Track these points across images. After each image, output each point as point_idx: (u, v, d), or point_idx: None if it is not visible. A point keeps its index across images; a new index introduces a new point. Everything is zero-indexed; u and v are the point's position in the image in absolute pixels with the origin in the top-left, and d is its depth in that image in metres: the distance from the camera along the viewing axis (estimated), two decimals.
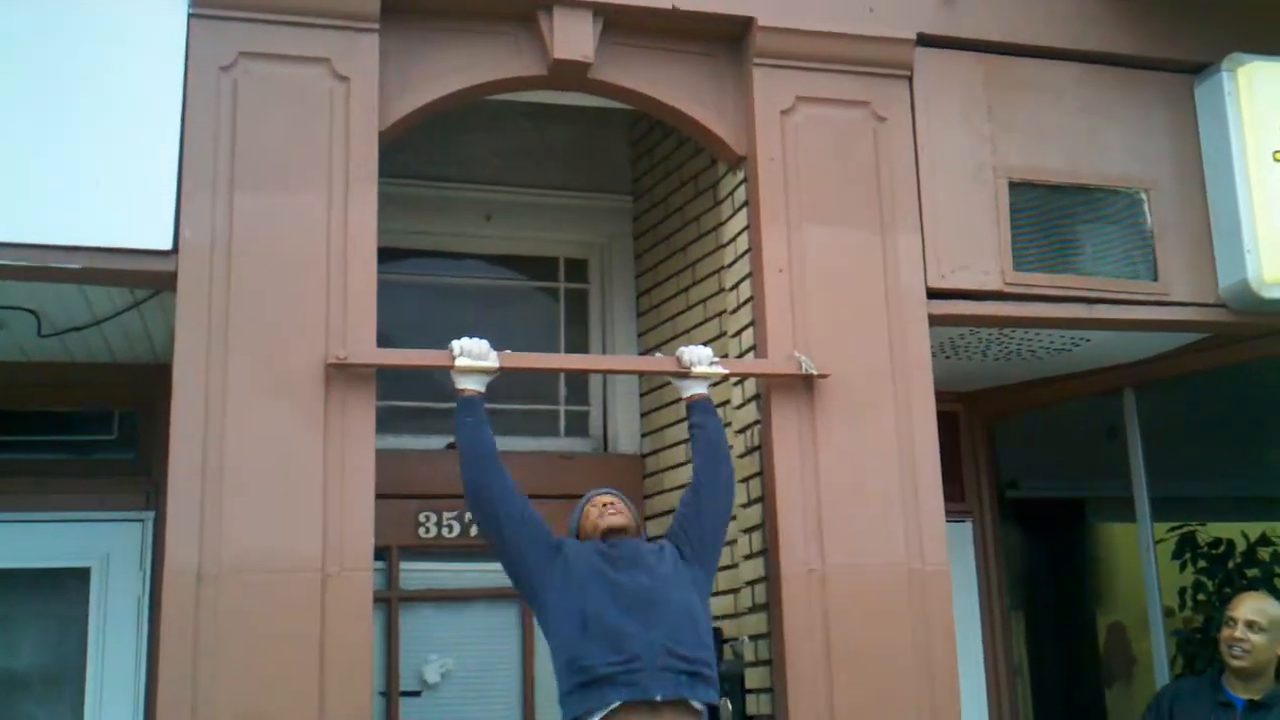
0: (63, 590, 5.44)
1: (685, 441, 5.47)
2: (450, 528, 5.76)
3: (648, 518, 5.83)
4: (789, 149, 4.69)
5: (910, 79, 4.89)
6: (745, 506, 4.70)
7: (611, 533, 3.95)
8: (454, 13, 4.53)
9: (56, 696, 5.39)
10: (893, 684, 4.36)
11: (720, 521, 4.08)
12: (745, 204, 4.77)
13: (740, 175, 4.81)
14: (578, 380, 6.20)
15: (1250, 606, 4.52)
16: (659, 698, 3.57)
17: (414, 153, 5.63)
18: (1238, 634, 4.46)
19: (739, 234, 4.82)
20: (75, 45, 4.14)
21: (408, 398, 5.85)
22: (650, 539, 4.14)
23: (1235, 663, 4.46)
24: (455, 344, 4.08)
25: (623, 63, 4.68)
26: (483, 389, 4.07)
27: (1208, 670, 4.85)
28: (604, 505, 4.05)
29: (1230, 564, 6.08)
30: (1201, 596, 6.09)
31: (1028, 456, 6.88)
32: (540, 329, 6.26)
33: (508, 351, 4.18)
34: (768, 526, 4.48)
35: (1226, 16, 5.22)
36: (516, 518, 3.90)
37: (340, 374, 4.08)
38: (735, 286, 4.85)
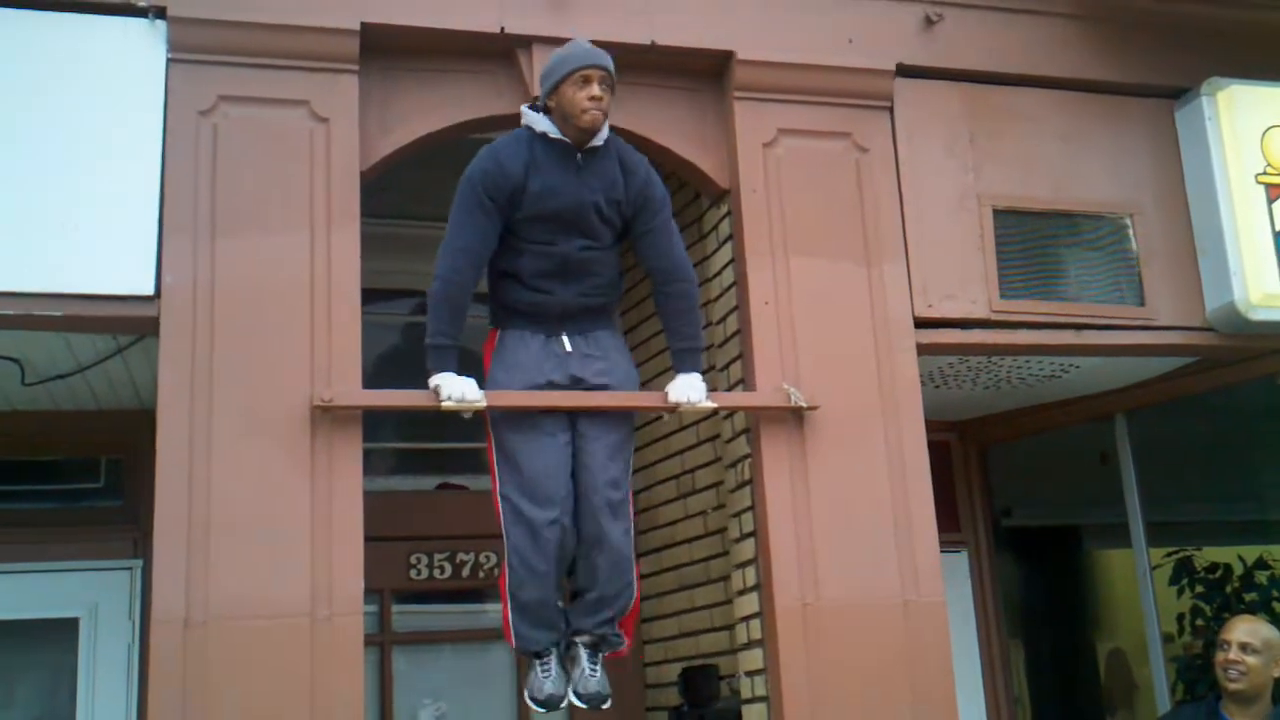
0: (52, 640, 5.40)
1: (675, 478, 5.47)
2: (442, 569, 5.73)
3: (640, 554, 5.78)
4: (772, 181, 4.69)
5: (891, 109, 4.90)
6: (738, 541, 4.66)
7: (584, 132, 4.06)
8: (433, 52, 4.53)
9: None
10: (891, 717, 4.31)
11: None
12: (730, 237, 4.77)
13: (724, 208, 4.81)
14: None
15: (1243, 629, 4.50)
16: None
17: (396, 192, 5.62)
18: (1232, 656, 4.43)
19: (724, 267, 4.82)
20: (53, 91, 4.13)
21: (396, 439, 5.83)
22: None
23: (1231, 685, 4.42)
24: (435, 382, 4.04)
25: None
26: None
27: (1205, 697, 4.81)
28: (592, 97, 4.03)
29: (1228, 588, 6.05)
30: (1200, 621, 6.06)
31: (1021, 485, 6.86)
32: None
33: (492, 392, 4.16)
34: (761, 561, 4.45)
35: (1205, 41, 5.25)
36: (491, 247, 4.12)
37: (326, 416, 4.05)
38: (722, 320, 4.84)
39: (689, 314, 4.32)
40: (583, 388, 4.16)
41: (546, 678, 4.07)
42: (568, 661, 4.13)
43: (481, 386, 4.05)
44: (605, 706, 4.09)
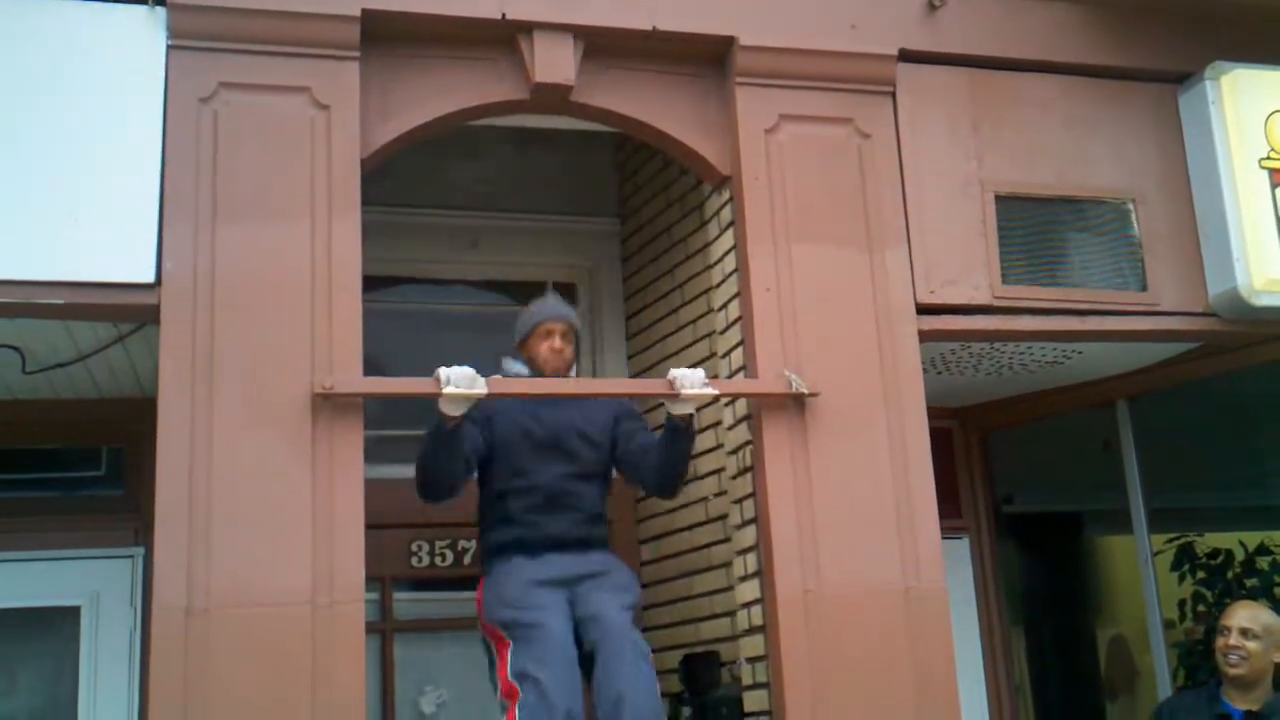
0: (54, 629, 5.39)
1: None
2: (444, 557, 5.73)
3: (642, 541, 5.80)
4: (774, 167, 4.68)
5: (894, 95, 4.88)
6: (739, 528, 4.66)
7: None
8: (434, 39, 4.51)
9: None
10: (893, 704, 4.32)
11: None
12: (731, 223, 4.75)
13: (726, 195, 4.80)
14: None
15: (1244, 614, 4.50)
16: None
17: (398, 180, 5.61)
18: (1232, 641, 4.43)
19: (726, 254, 4.81)
20: (53, 78, 4.12)
21: (398, 426, 5.81)
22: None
23: (1232, 671, 4.43)
24: (442, 372, 4.04)
25: (605, 85, 4.67)
26: (463, 413, 4.04)
27: (1206, 683, 4.81)
28: (553, 349, 4.33)
29: (1229, 574, 6.05)
30: (1201, 607, 6.05)
31: (1023, 471, 6.85)
32: None
33: (496, 377, 4.16)
34: (762, 547, 4.45)
35: (1208, 26, 5.22)
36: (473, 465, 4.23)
37: (327, 404, 4.05)
38: (724, 306, 4.83)
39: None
40: (587, 576, 4.11)
41: None
42: None
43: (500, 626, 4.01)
44: None
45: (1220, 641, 4.48)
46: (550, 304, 4.48)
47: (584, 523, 4.25)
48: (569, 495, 4.24)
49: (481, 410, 4.12)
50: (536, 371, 4.34)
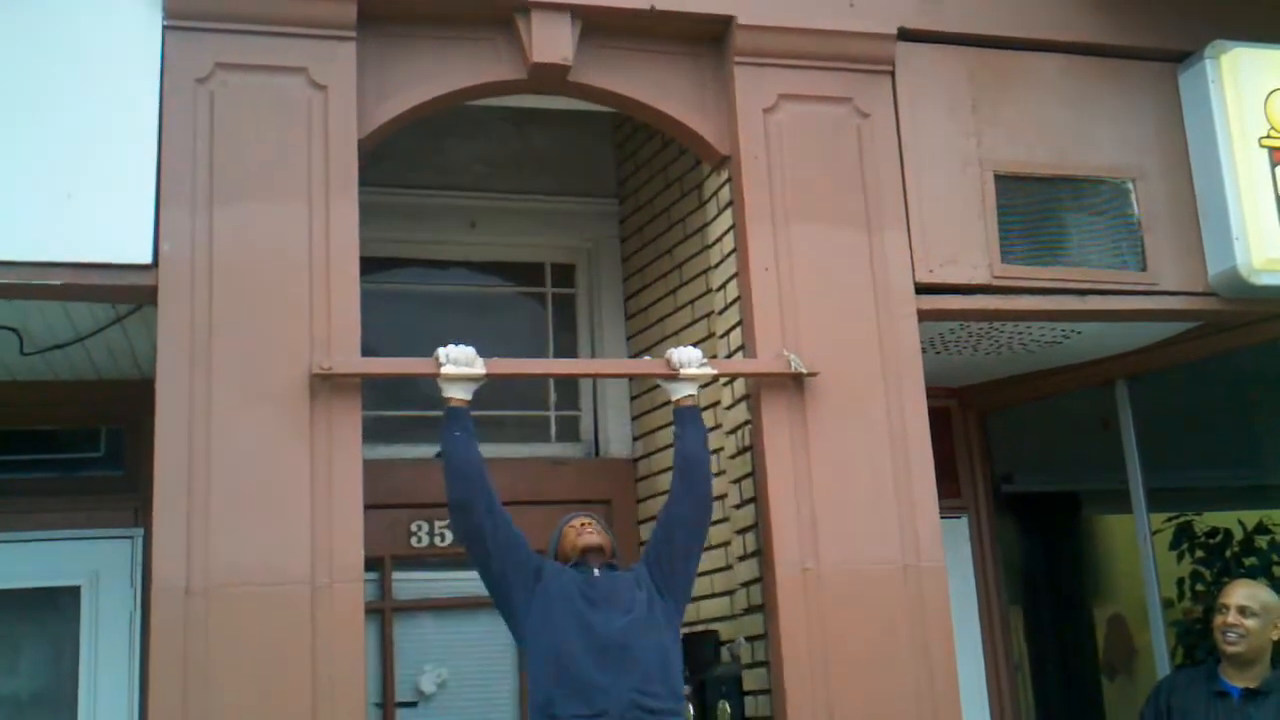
0: (54, 609, 5.40)
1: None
2: (442, 536, 5.73)
3: (640, 521, 5.80)
4: (772, 147, 4.66)
5: (893, 74, 4.87)
6: (738, 507, 4.67)
7: (589, 552, 4.04)
8: (431, 19, 4.49)
9: (51, 716, 5.35)
10: (891, 682, 4.33)
11: (692, 547, 4.15)
12: (730, 203, 4.75)
13: (724, 175, 4.79)
14: (567, 385, 6.17)
15: (1242, 592, 4.51)
16: None
17: (395, 161, 5.60)
18: (1230, 619, 4.44)
19: (725, 234, 4.80)
20: (49, 59, 4.10)
21: (397, 407, 5.82)
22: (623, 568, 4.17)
23: (1230, 649, 4.44)
24: (441, 351, 4.05)
25: (603, 65, 4.65)
26: (469, 397, 4.05)
27: (1204, 662, 4.83)
28: (581, 526, 4.13)
29: (1228, 553, 6.06)
30: (1200, 587, 6.07)
31: (1022, 450, 6.86)
32: (528, 335, 6.23)
33: (495, 358, 4.16)
34: (761, 527, 4.45)
35: (1208, 4, 5.21)
36: (502, 540, 3.97)
37: (325, 384, 4.05)
38: (723, 286, 4.83)
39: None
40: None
41: None
42: None
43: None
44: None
45: (1218, 619, 4.49)
46: (569, 515, 4.32)
47: (650, 680, 3.88)
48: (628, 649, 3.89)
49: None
50: (577, 560, 4.07)
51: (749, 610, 4.56)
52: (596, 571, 4.03)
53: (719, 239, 4.87)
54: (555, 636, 3.86)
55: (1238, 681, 4.46)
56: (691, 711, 4.81)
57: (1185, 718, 4.50)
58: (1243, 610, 4.45)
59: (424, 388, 5.24)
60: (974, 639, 6.18)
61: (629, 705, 3.76)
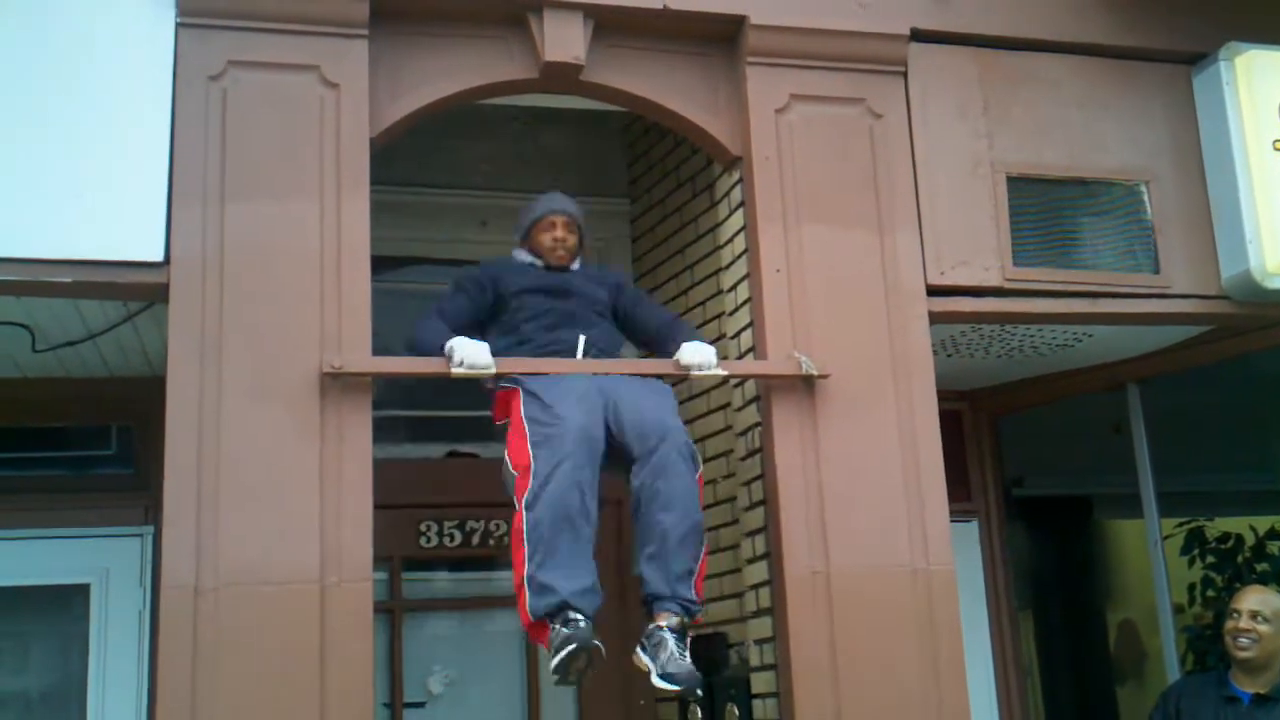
0: (63, 607, 5.41)
1: None
2: (452, 537, 5.74)
3: None
4: (784, 148, 4.65)
5: (905, 75, 4.85)
6: (748, 510, 4.66)
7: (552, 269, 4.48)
8: (443, 17, 4.49)
9: (61, 713, 5.36)
10: (900, 686, 4.31)
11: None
12: (742, 204, 4.74)
13: (736, 175, 4.78)
14: None
15: (1254, 598, 4.51)
16: None
17: (407, 160, 5.60)
18: (1243, 625, 4.43)
19: (736, 234, 4.79)
20: (63, 56, 4.11)
21: (407, 407, 5.82)
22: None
23: (1241, 654, 4.42)
24: (449, 346, 4.05)
25: (615, 64, 4.64)
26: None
27: (1215, 667, 4.81)
28: (555, 240, 4.51)
29: (1239, 558, 6.04)
30: (1211, 592, 6.05)
31: (1033, 454, 6.84)
32: None
33: (505, 356, 4.15)
34: (771, 529, 4.44)
35: (1223, 5, 5.18)
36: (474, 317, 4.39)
37: (335, 383, 4.04)
38: (734, 287, 4.82)
39: (683, 333, 4.53)
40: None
41: (573, 626, 3.63)
42: (652, 648, 3.82)
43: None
44: (698, 693, 3.89)
45: (1230, 624, 4.48)
46: (551, 197, 4.62)
47: (602, 337, 4.39)
48: (586, 316, 4.39)
49: (484, 276, 4.44)
50: (543, 261, 4.50)
51: (758, 613, 4.55)
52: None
53: (730, 240, 4.86)
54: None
55: (1248, 687, 4.45)
56: (699, 714, 4.81)
57: None
58: (1255, 615, 4.43)
59: (433, 387, 5.26)
60: (984, 643, 6.16)
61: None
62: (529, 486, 3.83)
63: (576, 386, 4.04)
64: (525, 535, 3.78)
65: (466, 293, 4.44)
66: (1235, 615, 4.48)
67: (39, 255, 3.97)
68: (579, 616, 3.69)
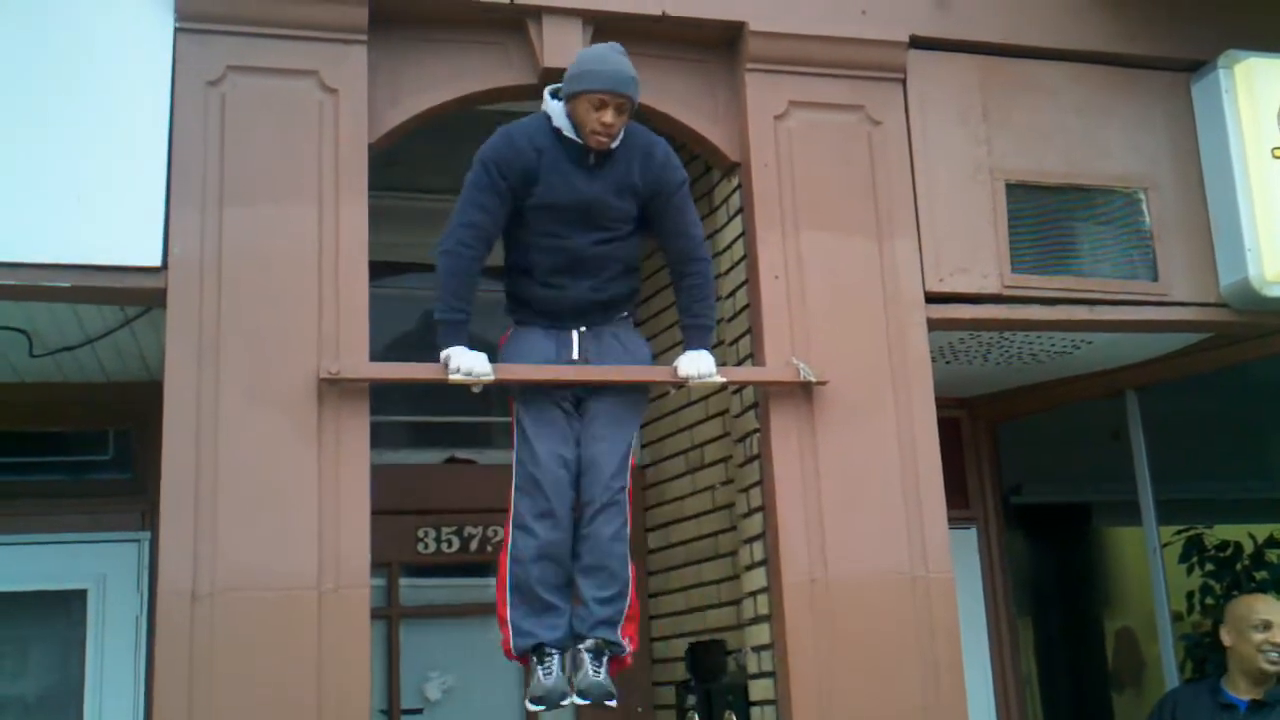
0: (60, 612, 5.41)
1: (684, 453, 5.46)
2: (450, 543, 5.73)
3: (649, 529, 5.78)
4: (783, 154, 4.66)
5: (904, 82, 4.85)
6: (746, 516, 4.65)
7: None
8: (443, 23, 4.50)
9: (57, 718, 5.34)
10: (899, 694, 4.31)
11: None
12: (740, 210, 4.74)
13: (735, 181, 4.78)
14: None
15: (1277, 608, 4.50)
16: None
17: (406, 166, 5.59)
18: (1275, 638, 4.40)
19: (734, 240, 4.79)
20: (61, 61, 4.11)
21: (405, 412, 5.81)
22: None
23: (1272, 668, 4.41)
24: (445, 355, 4.04)
25: None
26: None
27: (1206, 676, 4.80)
28: (603, 125, 4.00)
29: (1238, 566, 6.03)
30: (1210, 600, 6.03)
31: (1032, 461, 6.84)
32: None
33: (501, 364, 4.15)
34: (769, 536, 4.43)
35: (1222, 13, 5.19)
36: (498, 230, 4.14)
37: (333, 389, 4.04)
38: (732, 294, 4.82)
39: (704, 293, 4.31)
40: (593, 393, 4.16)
41: (548, 676, 3.94)
42: (570, 666, 4.01)
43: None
44: (611, 704, 3.97)
45: (1259, 638, 4.44)
46: (613, 68, 4.03)
47: (613, 282, 4.21)
48: (600, 258, 4.16)
49: (503, 184, 4.06)
50: (577, 132, 4.05)
51: (756, 619, 4.54)
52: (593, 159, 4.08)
53: (729, 246, 4.86)
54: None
55: (1244, 694, 4.44)
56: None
57: None
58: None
59: (432, 393, 5.25)
60: (982, 650, 6.15)
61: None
62: (510, 537, 4.03)
63: (554, 415, 4.08)
64: (507, 581, 4.01)
65: (488, 211, 4.08)
66: (1264, 627, 4.44)
67: (37, 260, 3.97)
68: (554, 654, 3.98)
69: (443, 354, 4.04)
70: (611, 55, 4.07)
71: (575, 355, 4.16)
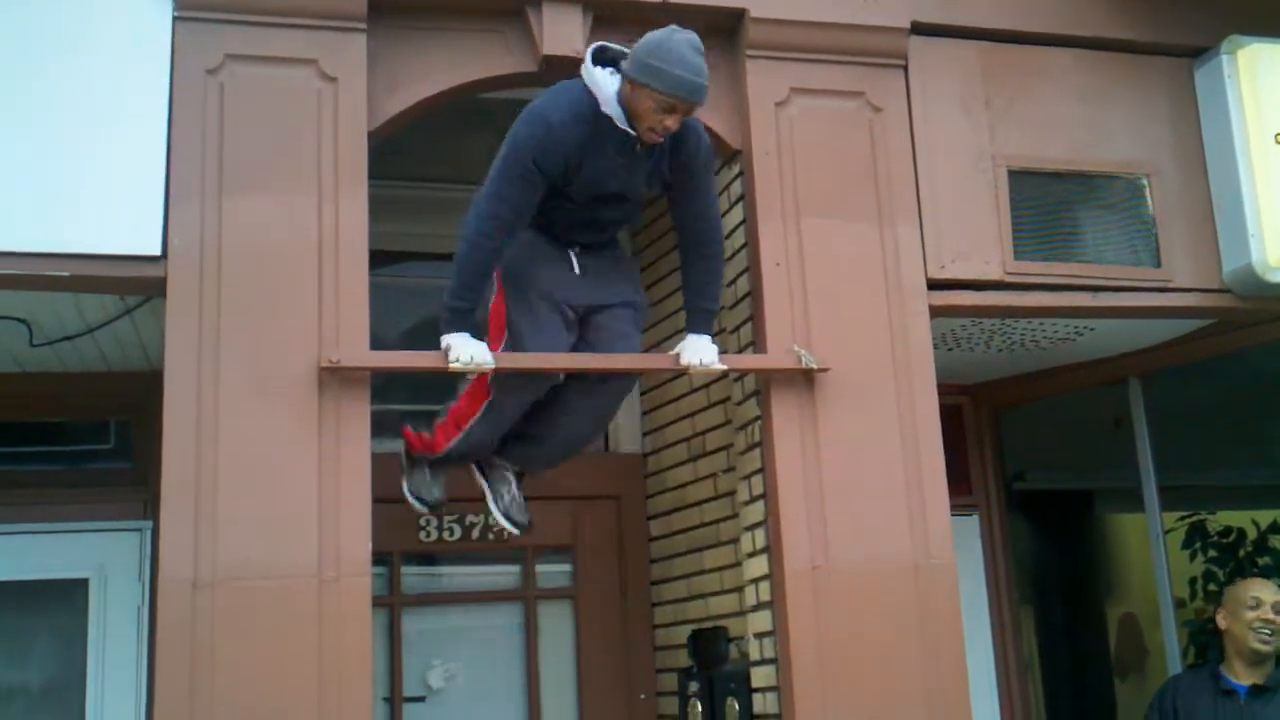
0: (62, 601, 5.40)
1: (686, 440, 5.45)
2: (451, 531, 5.71)
3: (650, 517, 5.78)
4: (784, 141, 4.64)
5: (906, 68, 4.84)
6: (748, 503, 4.65)
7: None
8: (442, 10, 4.48)
9: (59, 707, 5.35)
10: (901, 681, 4.31)
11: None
12: (741, 198, 4.72)
13: (736, 169, 4.77)
14: None
15: (1275, 589, 4.49)
16: None
17: (406, 154, 5.57)
18: (1267, 615, 4.41)
19: (736, 228, 4.77)
20: (60, 49, 4.09)
21: (407, 401, 5.80)
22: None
23: (1263, 647, 4.41)
24: (446, 343, 4.03)
25: None
26: None
27: (1205, 663, 4.80)
28: (664, 128, 3.89)
29: (1241, 553, 6.04)
30: (1213, 586, 6.04)
31: (1034, 448, 6.83)
32: None
33: (504, 352, 4.14)
34: (770, 523, 4.43)
35: None
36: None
37: (334, 378, 4.04)
38: (733, 282, 4.80)
39: (717, 276, 4.33)
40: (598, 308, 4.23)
41: (436, 484, 4.45)
42: (495, 483, 4.42)
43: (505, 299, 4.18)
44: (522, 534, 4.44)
45: (1250, 615, 4.45)
46: (693, 75, 3.81)
47: (612, 226, 4.32)
48: (616, 220, 4.29)
49: (550, 167, 3.89)
50: (628, 119, 3.89)
51: (758, 607, 4.53)
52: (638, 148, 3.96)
53: (730, 234, 4.83)
54: None
55: (1244, 679, 4.45)
56: (699, 708, 4.81)
57: (1192, 717, 4.48)
58: (1277, 607, 4.42)
59: (433, 381, 5.24)
60: (984, 637, 6.15)
61: None
62: (486, 406, 4.20)
63: (559, 337, 4.16)
64: (467, 429, 4.26)
65: (516, 205, 3.96)
66: (1257, 604, 4.45)
67: (36, 249, 3.96)
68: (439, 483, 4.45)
69: (444, 341, 4.03)
70: (693, 57, 3.82)
71: (577, 271, 4.20)
